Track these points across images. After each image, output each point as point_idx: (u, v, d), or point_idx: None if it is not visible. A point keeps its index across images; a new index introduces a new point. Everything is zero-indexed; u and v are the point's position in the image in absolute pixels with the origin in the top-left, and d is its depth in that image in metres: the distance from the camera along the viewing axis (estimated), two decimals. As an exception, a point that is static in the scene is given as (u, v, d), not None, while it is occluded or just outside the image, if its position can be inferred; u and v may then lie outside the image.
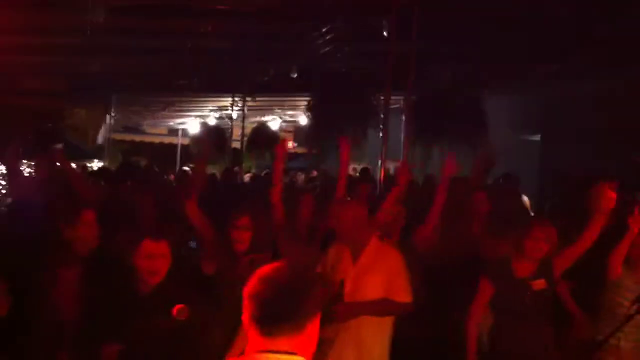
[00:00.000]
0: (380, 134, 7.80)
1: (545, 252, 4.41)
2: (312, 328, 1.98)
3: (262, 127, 16.17)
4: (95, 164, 16.01)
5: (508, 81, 10.94)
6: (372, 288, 4.27)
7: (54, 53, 9.71)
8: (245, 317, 1.97)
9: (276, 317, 1.93)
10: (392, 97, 8.58)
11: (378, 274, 4.29)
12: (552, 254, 4.48)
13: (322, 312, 4.14)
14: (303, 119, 14.54)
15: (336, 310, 4.13)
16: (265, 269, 2.00)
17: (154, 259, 3.58)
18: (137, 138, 24.04)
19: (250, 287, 1.98)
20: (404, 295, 4.28)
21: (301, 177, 13.90)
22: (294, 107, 16.49)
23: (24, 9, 6.08)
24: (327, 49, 9.28)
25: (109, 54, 9.97)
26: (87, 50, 9.23)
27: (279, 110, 17.30)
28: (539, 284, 4.40)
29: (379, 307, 4.29)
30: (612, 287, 4.64)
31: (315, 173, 14.52)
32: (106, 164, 15.13)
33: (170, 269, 3.66)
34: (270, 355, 1.92)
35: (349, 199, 5.21)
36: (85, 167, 14.17)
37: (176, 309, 3.35)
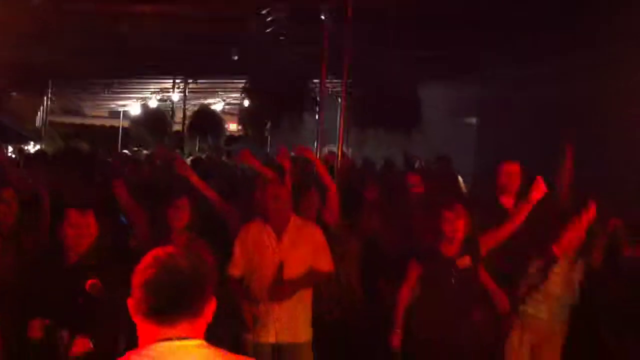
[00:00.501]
0: (317, 118, 7.91)
1: (462, 230, 4.64)
2: (209, 311, 1.97)
3: (204, 110, 16.01)
4: (32, 147, 15.65)
5: (445, 66, 11.18)
6: (300, 261, 4.69)
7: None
8: (137, 305, 1.90)
9: (176, 306, 1.89)
10: (330, 82, 8.70)
11: (303, 248, 4.72)
12: (478, 234, 4.73)
13: (266, 293, 4.31)
14: (247, 102, 14.50)
15: (279, 291, 4.55)
16: (157, 255, 1.94)
17: (79, 228, 3.79)
18: (77, 121, 23.45)
19: (144, 274, 1.91)
20: (327, 266, 4.78)
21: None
22: (237, 90, 16.41)
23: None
24: (266, 31, 9.29)
25: (46, 37, 9.75)
26: (25, 35, 9.02)
27: (222, 93, 17.19)
28: (464, 262, 4.66)
29: (310, 279, 4.73)
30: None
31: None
32: (43, 147, 14.80)
33: (97, 242, 3.89)
34: (176, 343, 1.88)
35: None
36: (21, 150, 13.89)
37: (89, 284, 3.47)
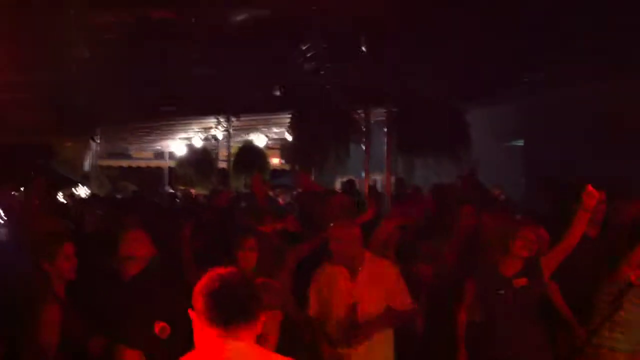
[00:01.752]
0: (364, 147, 7.92)
1: (534, 252, 4.54)
2: (260, 323, 2.28)
3: (248, 146, 16.21)
4: (81, 191, 16.02)
5: (489, 90, 11.12)
6: (375, 301, 4.46)
7: (39, 88, 9.76)
8: (202, 313, 2.21)
9: (239, 316, 2.21)
10: (374, 111, 8.73)
11: (378, 286, 4.48)
12: (540, 255, 4.62)
13: (338, 338, 4.21)
14: (289, 136, 14.65)
15: (354, 335, 4.34)
16: (219, 272, 2.26)
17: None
18: (124, 163, 23.99)
19: (209, 287, 2.22)
20: (406, 302, 4.55)
21: (285, 195, 13.96)
22: (279, 124, 16.59)
23: (9, 46, 6.15)
24: (308, 66, 9.42)
25: (92, 85, 10.04)
26: (71, 84, 9.31)
27: (265, 129, 17.37)
28: (520, 281, 4.52)
29: (389, 321, 4.50)
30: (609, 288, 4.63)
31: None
32: (93, 190, 15.14)
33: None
34: (231, 342, 2.19)
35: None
36: (72, 194, 14.22)
37: (158, 327, 3.51)
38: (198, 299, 2.23)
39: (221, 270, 2.27)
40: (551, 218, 5.94)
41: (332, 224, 4.73)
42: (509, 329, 4.50)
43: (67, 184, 15.85)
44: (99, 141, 16.27)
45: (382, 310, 4.45)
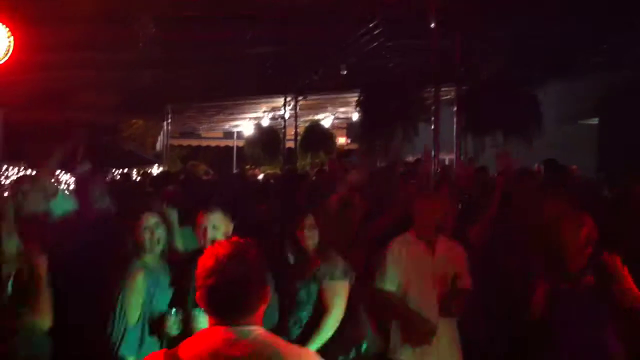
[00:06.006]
0: (432, 127, 7.77)
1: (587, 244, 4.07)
2: (262, 310, 2.29)
3: (315, 126, 16.25)
4: (155, 170, 16.44)
5: (563, 67, 10.73)
6: (447, 279, 4.51)
7: (109, 68, 10.01)
8: (202, 302, 2.24)
9: (232, 308, 2.23)
10: (443, 89, 8.53)
11: (450, 266, 4.56)
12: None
13: (443, 306, 4.34)
14: (355, 115, 14.58)
15: (458, 305, 4.43)
16: (216, 261, 2.24)
17: None
18: (194, 143, 24.51)
19: (205, 280, 2.23)
20: (469, 284, 4.61)
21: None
22: (346, 104, 16.54)
23: (77, 25, 6.29)
24: (374, 44, 9.29)
25: (161, 65, 10.22)
26: (140, 63, 9.49)
27: (331, 108, 17.36)
28: (588, 279, 4.07)
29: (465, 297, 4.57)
30: None
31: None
32: (166, 168, 15.50)
33: None
34: (232, 327, 2.20)
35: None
36: (146, 172, 14.59)
37: None
38: (197, 285, 2.27)
39: (217, 254, 2.25)
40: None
41: (418, 196, 4.76)
42: (579, 333, 4.04)
43: (139, 162, 16.30)
44: (169, 120, 16.64)
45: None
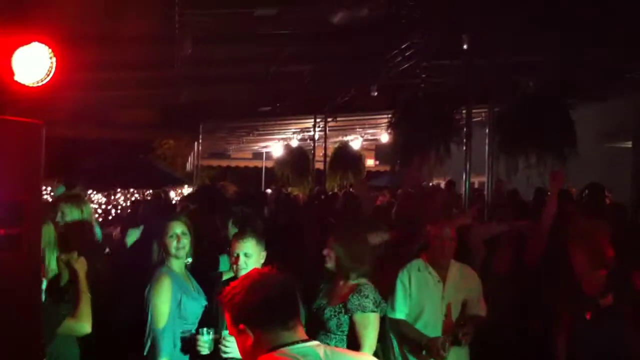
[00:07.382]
0: (464, 148, 7.74)
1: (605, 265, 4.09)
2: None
3: (344, 147, 16.28)
4: (186, 190, 16.57)
5: (595, 88, 10.62)
6: (459, 306, 4.63)
7: (145, 86, 10.14)
8: (258, 317, 2.18)
9: (294, 312, 2.24)
10: (475, 110, 8.51)
11: (463, 293, 4.65)
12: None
13: (453, 337, 4.35)
14: (384, 137, 14.59)
15: (466, 333, 4.41)
16: (261, 274, 2.29)
17: None
18: (223, 163, 24.72)
19: (260, 292, 2.21)
20: (484, 311, 4.67)
21: (385, 195, 13.86)
22: (375, 126, 16.56)
23: (115, 45, 6.41)
24: (406, 65, 9.31)
25: (196, 84, 10.34)
26: (176, 82, 9.61)
27: (360, 129, 17.40)
28: (607, 300, 4.06)
29: (478, 324, 4.58)
30: None
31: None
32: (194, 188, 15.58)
33: None
34: (287, 348, 2.14)
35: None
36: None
37: None
38: (247, 306, 2.24)
39: (259, 272, 2.33)
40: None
41: (431, 223, 4.75)
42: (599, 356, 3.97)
43: (171, 181, 16.45)
44: (200, 140, 16.78)
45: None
